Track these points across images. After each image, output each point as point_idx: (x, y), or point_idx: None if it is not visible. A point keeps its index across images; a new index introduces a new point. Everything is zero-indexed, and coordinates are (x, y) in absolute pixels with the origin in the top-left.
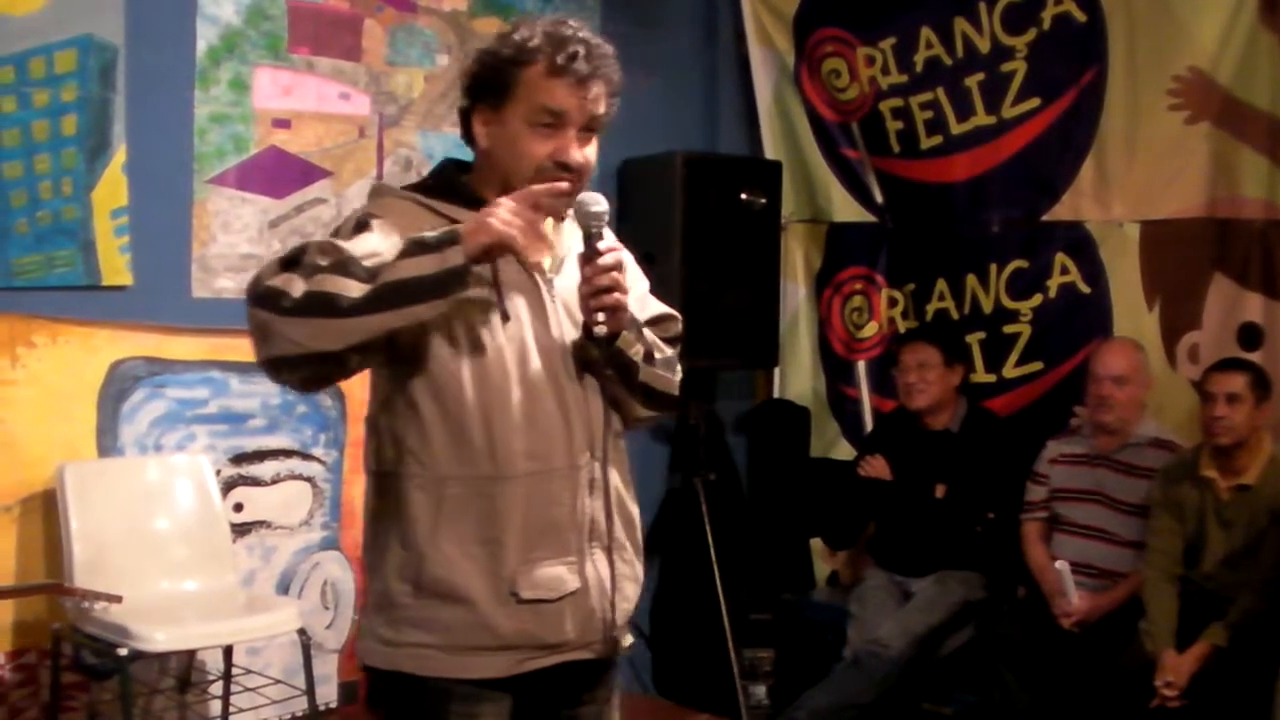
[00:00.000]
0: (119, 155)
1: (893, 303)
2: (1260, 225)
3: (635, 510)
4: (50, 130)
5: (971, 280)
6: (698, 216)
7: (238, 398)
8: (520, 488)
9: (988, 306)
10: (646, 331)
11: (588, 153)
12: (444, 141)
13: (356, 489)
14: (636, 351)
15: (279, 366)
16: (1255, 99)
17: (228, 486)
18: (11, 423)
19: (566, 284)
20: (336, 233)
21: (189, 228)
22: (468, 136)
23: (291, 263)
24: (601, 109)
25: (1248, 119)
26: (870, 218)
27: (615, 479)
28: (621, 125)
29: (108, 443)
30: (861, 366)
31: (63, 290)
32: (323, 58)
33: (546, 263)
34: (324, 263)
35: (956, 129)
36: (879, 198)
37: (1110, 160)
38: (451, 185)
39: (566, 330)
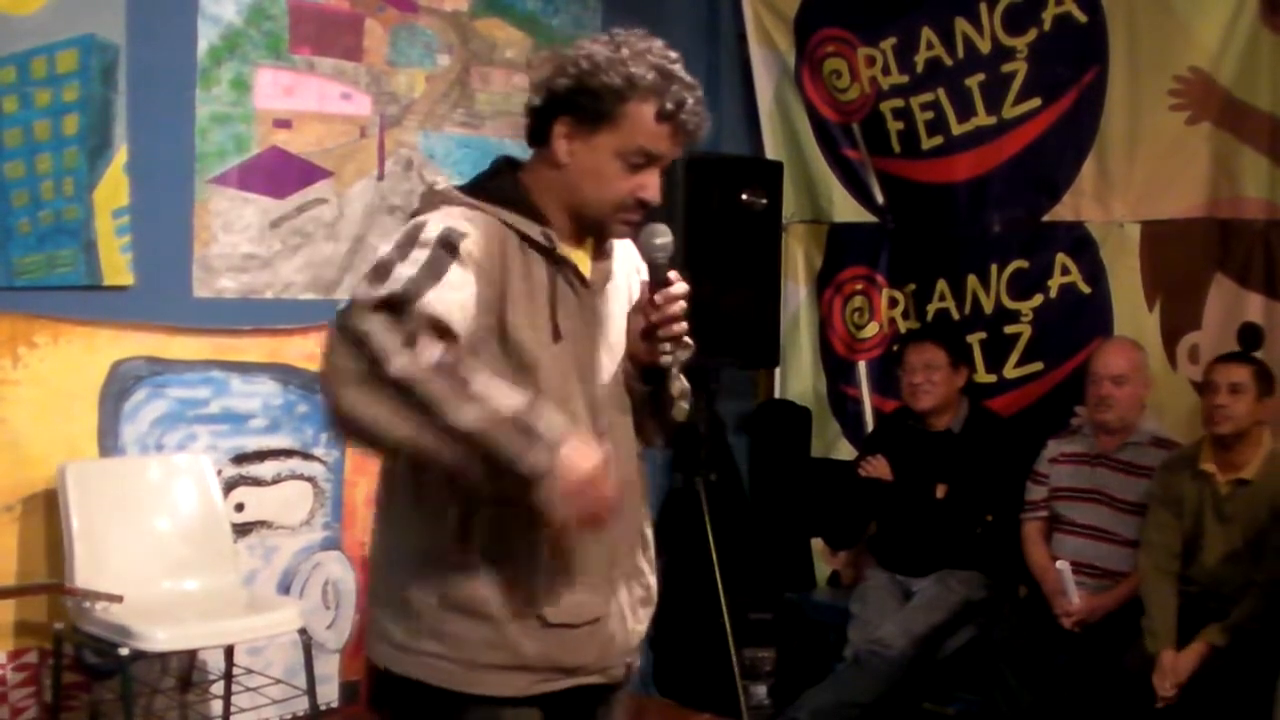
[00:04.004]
0: (120, 155)
1: (893, 303)
2: (1261, 225)
3: (650, 533)
4: (52, 130)
5: (972, 280)
6: (699, 217)
7: (239, 397)
8: None
9: (988, 307)
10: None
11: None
12: (445, 141)
13: (358, 489)
14: (681, 388)
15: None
16: (1256, 99)
17: (229, 486)
18: (13, 422)
19: (612, 310)
20: (411, 243)
21: (190, 227)
22: (539, 137)
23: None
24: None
25: (1249, 119)
26: (871, 218)
27: (638, 505)
28: None
29: (109, 442)
30: (862, 366)
31: (64, 290)
32: (324, 58)
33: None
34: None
35: (957, 129)
36: (880, 198)
37: (1111, 160)
38: (514, 196)
39: (606, 357)
